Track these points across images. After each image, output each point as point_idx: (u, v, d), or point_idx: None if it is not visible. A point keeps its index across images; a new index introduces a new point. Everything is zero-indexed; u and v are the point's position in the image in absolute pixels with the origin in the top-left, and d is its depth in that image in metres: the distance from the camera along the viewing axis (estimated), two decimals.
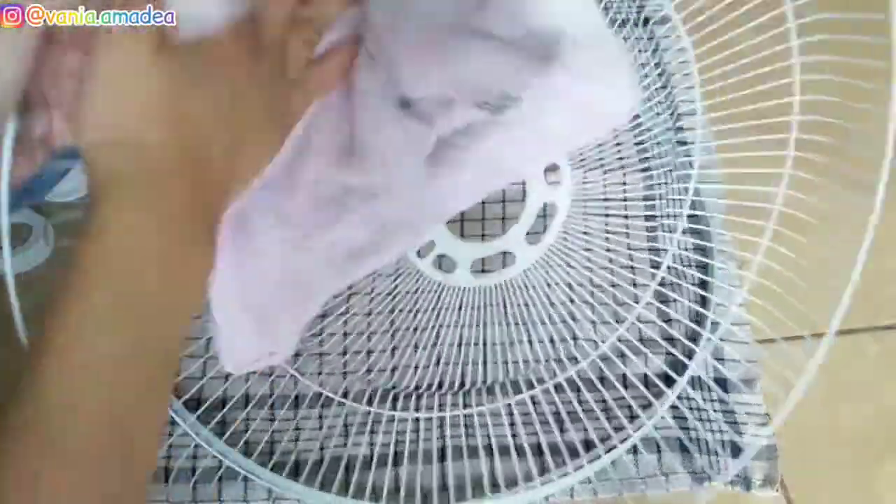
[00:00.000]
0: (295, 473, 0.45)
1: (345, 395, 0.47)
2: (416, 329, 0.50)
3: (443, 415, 0.47)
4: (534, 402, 0.47)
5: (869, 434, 0.47)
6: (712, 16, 0.58)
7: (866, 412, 0.48)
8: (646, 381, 0.48)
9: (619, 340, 0.49)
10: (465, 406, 0.47)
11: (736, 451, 0.45)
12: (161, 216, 0.24)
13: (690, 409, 0.47)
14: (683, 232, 0.54)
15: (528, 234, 0.52)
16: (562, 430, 0.46)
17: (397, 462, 0.46)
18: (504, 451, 0.46)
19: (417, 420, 0.47)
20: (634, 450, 0.46)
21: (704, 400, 0.47)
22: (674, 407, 0.47)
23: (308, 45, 0.29)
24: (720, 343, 0.49)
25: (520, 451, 0.46)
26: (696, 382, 0.48)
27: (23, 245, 0.51)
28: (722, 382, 0.48)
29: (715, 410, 0.47)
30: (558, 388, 0.47)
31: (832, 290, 0.52)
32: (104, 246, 0.23)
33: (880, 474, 0.46)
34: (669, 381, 0.48)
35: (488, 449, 0.46)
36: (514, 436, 0.47)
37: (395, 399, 0.47)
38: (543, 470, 0.46)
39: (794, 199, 0.56)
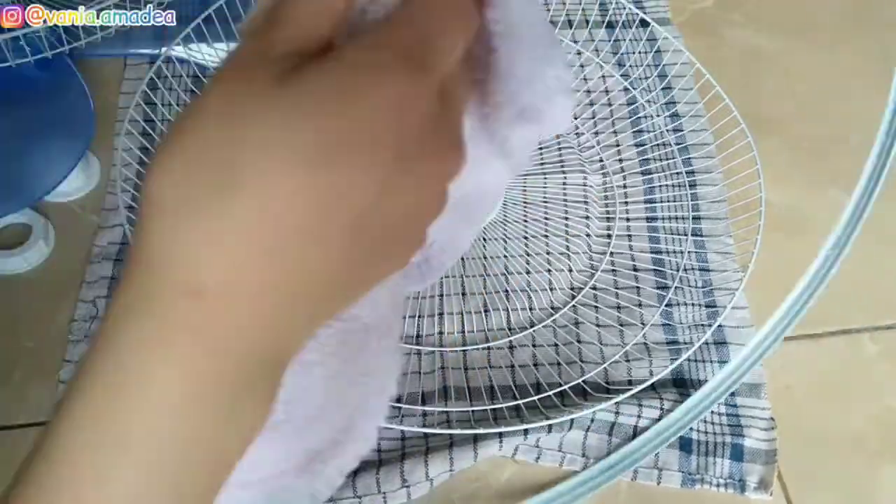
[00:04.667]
0: None
1: None
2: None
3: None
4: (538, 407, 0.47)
5: (869, 434, 0.47)
6: (712, 17, 0.58)
7: (866, 412, 0.48)
8: (651, 385, 0.47)
9: (624, 345, 0.49)
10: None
11: (737, 454, 0.45)
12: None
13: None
14: (684, 233, 0.54)
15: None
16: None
17: None
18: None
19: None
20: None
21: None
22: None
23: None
24: (724, 346, 0.49)
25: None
26: (700, 386, 0.48)
27: (23, 245, 0.51)
28: None
29: (720, 414, 0.47)
30: (563, 395, 0.47)
31: (834, 289, 0.52)
32: None
33: (880, 474, 0.46)
34: (676, 385, 0.48)
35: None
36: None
37: None
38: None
39: (796, 199, 0.57)
